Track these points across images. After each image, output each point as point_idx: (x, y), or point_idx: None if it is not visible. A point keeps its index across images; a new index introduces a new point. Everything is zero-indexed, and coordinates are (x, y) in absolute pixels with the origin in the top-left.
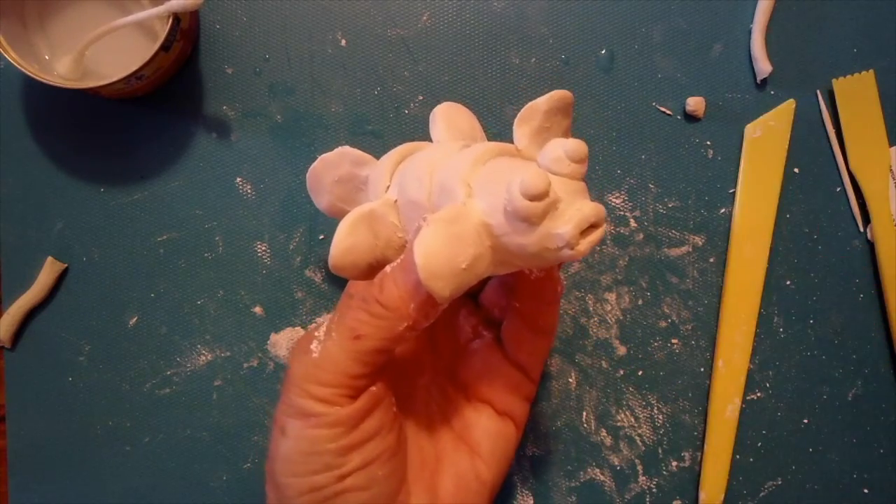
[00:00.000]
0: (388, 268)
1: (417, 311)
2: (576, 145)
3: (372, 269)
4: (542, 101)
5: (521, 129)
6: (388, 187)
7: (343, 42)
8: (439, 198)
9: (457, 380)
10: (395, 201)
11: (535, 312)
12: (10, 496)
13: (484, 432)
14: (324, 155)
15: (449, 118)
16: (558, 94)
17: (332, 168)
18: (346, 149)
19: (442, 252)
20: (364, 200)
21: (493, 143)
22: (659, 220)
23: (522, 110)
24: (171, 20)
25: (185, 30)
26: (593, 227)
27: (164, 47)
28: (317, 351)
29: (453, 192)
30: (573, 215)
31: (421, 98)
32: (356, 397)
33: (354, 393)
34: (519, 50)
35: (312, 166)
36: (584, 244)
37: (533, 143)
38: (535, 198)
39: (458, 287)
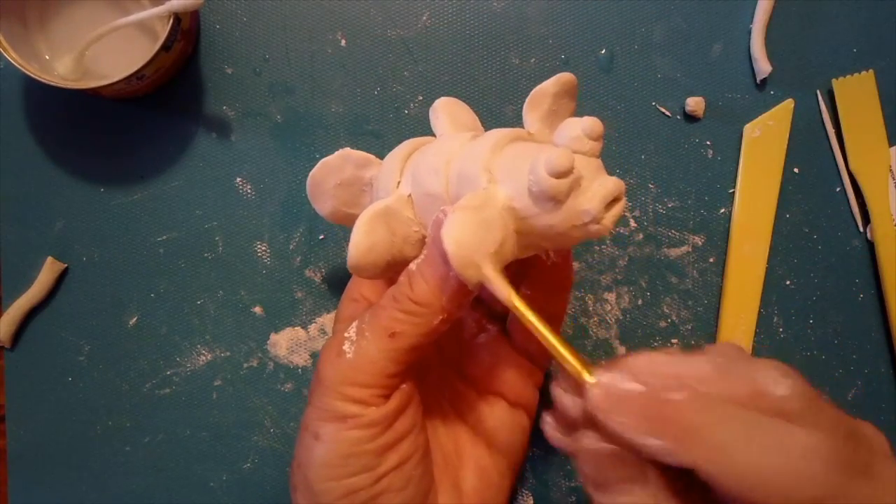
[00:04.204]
0: (412, 265)
1: (450, 302)
2: (592, 123)
3: (389, 268)
4: (550, 85)
5: (532, 114)
6: (398, 183)
7: (343, 42)
8: (459, 187)
9: (465, 375)
10: (409, 196)
11: (546, 300)
12: (9, 496)
13: (499, 425)
14: (324, 159)
15: (450, 112)
16: (564, 77)
17: (334, 172)
18: (348, 151)
19: (471, 239)
20: (369, 202)
21: (506, 129)
22: (659, 220)
23: (531, 95)
24: (171, 20)
25: (185, 30)
26: (615, 200)
27: (165, 47)
28: (351, 353)
29: (475, 180)
30: (597, 190)
31: (421, 98)
32: (389, 396)
33: (389, 392)
34: (519, 50)
35: (312, 172)
36: (609, 218)
37: (544, 127)
38: (560, 175)
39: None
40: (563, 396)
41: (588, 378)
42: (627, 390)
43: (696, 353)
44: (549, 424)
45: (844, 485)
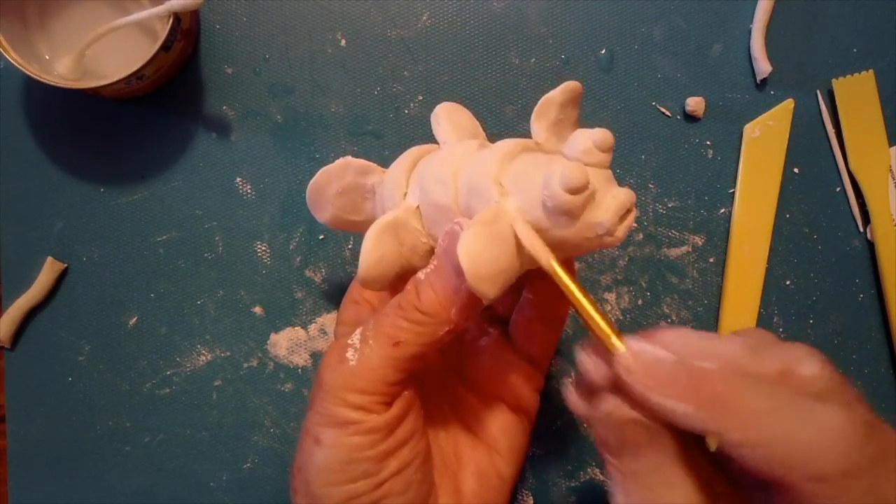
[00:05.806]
0: (420, 274)
1: (459, 313)
2: (603, 135)
3: (398, 279)
4: (557, 94)
5: (540, 123)
6: (405, 193)
7: (343, 42)
8: (469, 199)
9: (466, 378)
10: (417, 207)
11: (548, 303)
12: (10, 496)
13: (499, 429)
14: (326, 167)
15: (452, 117)
16: (571, 85)
17: (335, 179)
18: (349, 159)
19: (486, 254)
20: (370, 209)
21: (514, 140)
22: (659, 220)
23: (538, 104)
24: (171, 20)
25: (185, 30)
26: (627, 211)
27: (165, 47)
28: (353, 359)
29: (486, 193)
30: (610, 203)
31: (421, 98)
32: (391, 403)
33: (390, 399)
34: (519, 50)
35: (313, 180)
36: (622, 229)
37: (551, 136)
38: (576, 190)
39: (503, 286)
40: (586, 359)
41: (619, 344)
42: (658, 356)
43: (729, 335)
44: (569, 389)
45: (867, 463)
